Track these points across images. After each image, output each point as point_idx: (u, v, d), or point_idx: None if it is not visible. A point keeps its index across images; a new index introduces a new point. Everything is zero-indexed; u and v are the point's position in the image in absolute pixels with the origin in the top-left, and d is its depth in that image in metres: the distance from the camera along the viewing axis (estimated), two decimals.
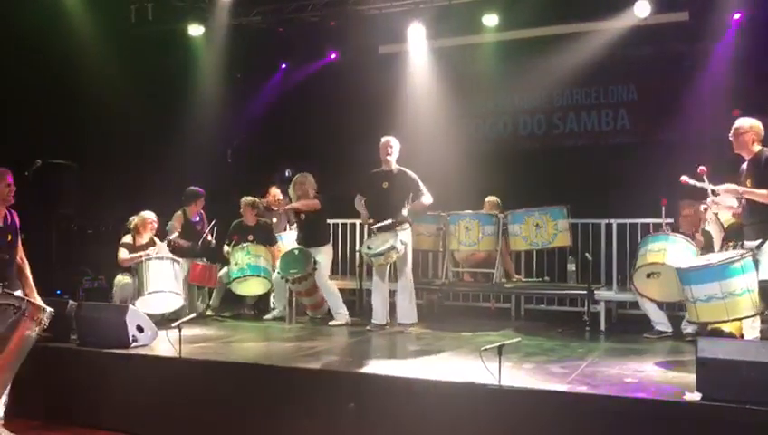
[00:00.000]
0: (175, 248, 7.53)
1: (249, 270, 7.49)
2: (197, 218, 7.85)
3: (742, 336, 5.50)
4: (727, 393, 3.83)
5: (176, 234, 7.61)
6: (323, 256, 7.30)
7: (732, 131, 5.25)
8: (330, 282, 7.32)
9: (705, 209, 5.92)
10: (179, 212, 7.77)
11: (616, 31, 8.77)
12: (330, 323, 7.13)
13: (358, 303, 7.77)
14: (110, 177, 8.97)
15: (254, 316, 7.84)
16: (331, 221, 8.51)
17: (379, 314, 6.79)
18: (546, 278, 7.97)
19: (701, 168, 5.35)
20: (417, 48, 9.76)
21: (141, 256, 7.09)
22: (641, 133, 9.16)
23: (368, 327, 6.77)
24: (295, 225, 7.78)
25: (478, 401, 4.31)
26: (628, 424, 4.02)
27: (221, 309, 7.92)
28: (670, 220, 6.49)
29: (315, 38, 10.04)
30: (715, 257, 5.24)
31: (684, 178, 5.44)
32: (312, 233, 7.37)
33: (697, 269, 5.18)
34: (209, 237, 7.67)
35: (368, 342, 6.37)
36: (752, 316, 5.17)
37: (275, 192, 8.47)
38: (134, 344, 5.61)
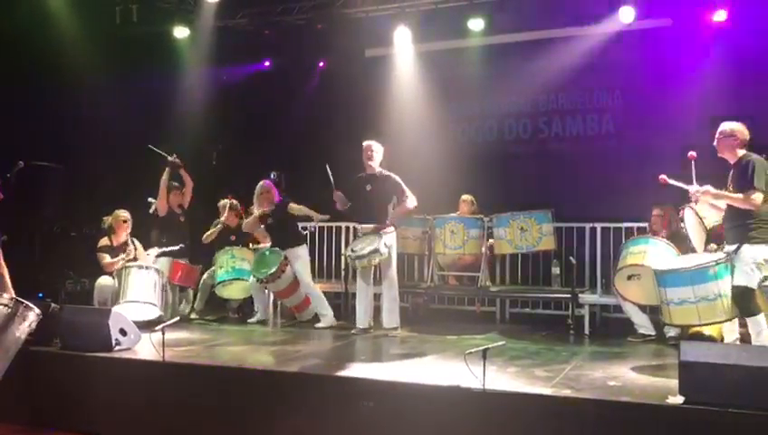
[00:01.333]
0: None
1: (234, 273, 7.50)
2: (179, 211, 7.90)
3: (722, 339, 5.54)
4: (710, 396, 3.86)
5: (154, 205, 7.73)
6: (299, 257, 7.27)
7: (722, 134, 5.26)
8: (313, 284, 7.32)
9: (681, 210, 5.95)
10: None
11: (601, 36, 8.82)
12: (316, 325, 7.11)
13: (343, 306, 7.77)
14: (94, 179, 8.91)
15: (239, 320, 7.81)
16: (316, 224, 8.51)
17: (364, 318, 6.78)
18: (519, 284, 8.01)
19: (691, 153, 5.34)
20: (404, 52, 9.78)
21: (125, 262, 7.08)
22: (625, 138, 9.21)
23: (352, 331, 6.75)
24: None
25: (463, 404, 4.31)
26: (612, 427, 4.04)
27: (205, 312, 7.89)
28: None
29: (302, 41, 10.02)
30: (690, 261, 5.27)
31: (663, 177, 5.46)
32: (283, 235, 7.35)
33: (671, 272, 5.25)
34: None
35: (352, 345, 6.36)
36: (723, 322, 5.20)
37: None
38: (117, 348, 5.58)
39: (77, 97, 8.56)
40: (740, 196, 5.04)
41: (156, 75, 9.38)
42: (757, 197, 4.98)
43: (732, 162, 5.27)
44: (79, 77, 8.54)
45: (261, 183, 7.42)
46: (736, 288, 5.03)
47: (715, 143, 5.30)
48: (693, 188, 5.30)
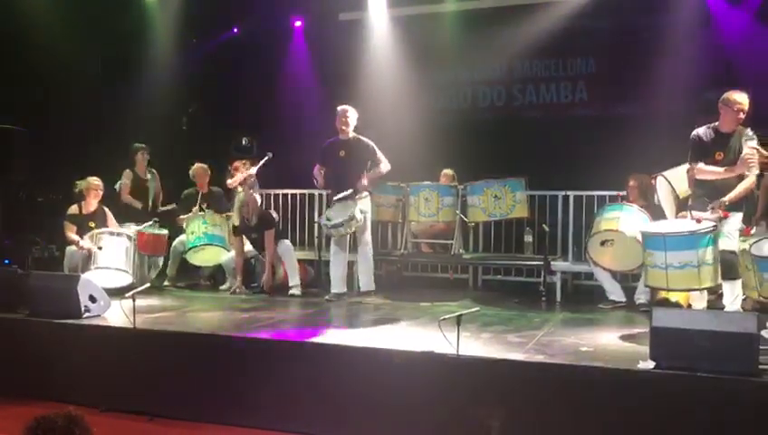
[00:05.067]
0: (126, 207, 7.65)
1: (206, 239, 7.41)
2: (148, 176, 7.82)
3: (689, 306, 5.61)
4: (679, 361, 3.91)
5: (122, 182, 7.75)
6: (285, 247, 7.28)
7: (733, 105, 5.17)
8: (294, 255, 7.29)
9: (653, 178, 6.00)
10: (128, 170, 7.80)
11: (575, 2, 8.76)
12: (290, 293, 7.05)
13: (316, 273, 7.74)
14: (61, 143, 8.70)
15: (211, 287, 7.74)
16: (288, 191, 8.47)
17: (338, 284, 6.77)
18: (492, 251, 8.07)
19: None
20: (378, 16, 9.64)
21: (91, 249, 6.92)
22: (599, 106, 9.20)
23: (326, 297, 6.74)
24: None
25: (436, 370, 4.32)
26: (584, 392, 4.07)
27: (176, 280, 7.80)
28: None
29: (274, 3, 9.82)
30: (690, 225, 5.19)
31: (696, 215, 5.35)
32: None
33: (676, 236, 5.11)
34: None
35: (326, 311, 6.35)
36: (714, 287, 5.26)
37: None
38: (86, 315, 5.49)
39: (43, 59, 8.30)
40: (749, 182, 5.17)
41: (124, 38, 9.14)
42: None
43: (727, 131, 5.26)
44: (45, 39, 8.27)
45: (244, 197, 7.21)
46: (724, 253, 5.09)
47: (727, 110, 5.21)
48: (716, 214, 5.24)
